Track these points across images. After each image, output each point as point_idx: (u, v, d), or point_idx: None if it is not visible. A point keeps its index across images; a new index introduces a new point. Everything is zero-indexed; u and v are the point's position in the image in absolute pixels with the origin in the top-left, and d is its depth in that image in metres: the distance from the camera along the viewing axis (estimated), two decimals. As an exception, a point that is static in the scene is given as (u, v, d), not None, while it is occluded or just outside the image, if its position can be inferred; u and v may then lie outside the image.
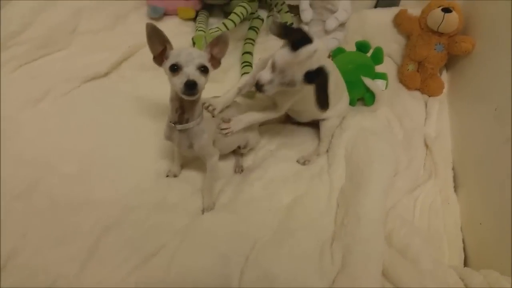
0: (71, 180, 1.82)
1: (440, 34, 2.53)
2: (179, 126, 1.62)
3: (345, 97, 2.19)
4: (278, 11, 2.86)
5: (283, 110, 1.96)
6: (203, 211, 1.84)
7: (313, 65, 1.57)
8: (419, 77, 2.65)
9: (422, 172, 2.17)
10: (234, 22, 2.47)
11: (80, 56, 2.40)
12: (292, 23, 2.78)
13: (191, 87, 1.41)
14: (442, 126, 2.40)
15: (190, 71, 1.43)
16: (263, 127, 2.23)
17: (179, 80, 1.43)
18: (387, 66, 2.69)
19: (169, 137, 1.72)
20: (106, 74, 2.39)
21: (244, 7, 2.55)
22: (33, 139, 1.95)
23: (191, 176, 1.99)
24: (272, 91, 1.66)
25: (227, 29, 2.43)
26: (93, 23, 2.53)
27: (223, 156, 2.03)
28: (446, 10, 2.43)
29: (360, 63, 2.41)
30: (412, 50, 2.66)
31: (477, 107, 2.21)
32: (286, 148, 2.18)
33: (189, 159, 2.03)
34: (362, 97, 2.44)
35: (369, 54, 2.48)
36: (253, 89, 1.76)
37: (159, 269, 1.56)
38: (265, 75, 1.65)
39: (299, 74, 1.59)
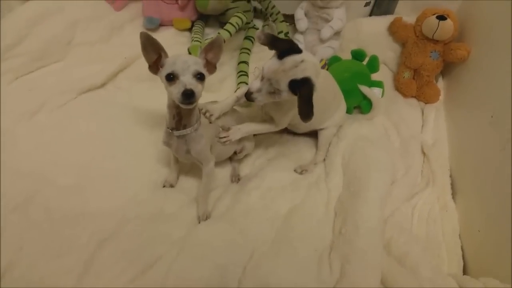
0: (68, 192, 1.81)
1: (435, 41, 2.54)
2: (176, 132, 1.63)
3: (342, 107, 2.20)
4: (274, 21, 2.88)
5: (282, 125, 1.97)
6: (199, 220, 1.83)
7: (298, 74, 1.58)
8: (415, 84, 2.66)
9: (420, 179, 2.17)
10: (229, 32, 2.47)
11: (76, 67, 2.40)
12: (287, 32, 2.80)
13: (188, 96, 1.41)
14: (439, 133, 2.40)
15: (186, 80, 1.43)
16: (261, 136, 2.22)
17: (176, 89, 1.43)
18: (383, 74, 2.70)
19: (167, 143, 1.73)
20: (102, 86, 2.38)
21: (239, 17, 2.55)
22: (30, 151, 1.94)
23: (188, 186, 1.98)
24: (261, 99, 1.68)
25: (223, 39, 2.43)
26: (88, 35, 2.53)
27: (220, 164, 2.05)
28: (441, 17, 2.44)
29: (356, 71, 2.42)
30: (407, 58, 2.67)
31: (473, 114, 2.21)
32: (283, 157, 2.18)
33: (186, 168, 2.03)
34: (359, 105, 2.44)
35: (364, 62, 2.48)
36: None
37: (156, 281, 1.55)
38: (255, 84, 1.68)
39: (284, 83, 1.59)
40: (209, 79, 2.28)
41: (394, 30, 2.76)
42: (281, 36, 2.81)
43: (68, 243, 1.63)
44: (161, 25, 2.75)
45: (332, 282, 1.61)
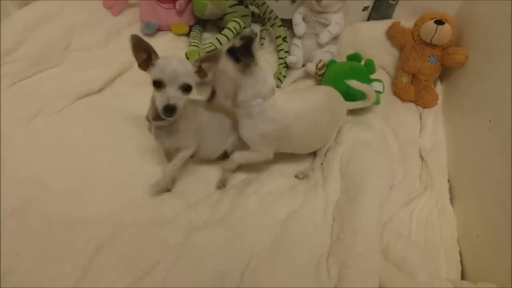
0: (65, 197, 1.81)
1: (433, 46, 2.54)
2: (154, 123, 1.67)
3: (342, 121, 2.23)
4: (272, 25, 2.88)
5: (268, 154, 1.99)
6: (153, 186, 1.86)
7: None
8: (413, 89, 2.66)
9: (418, 184, 2.16)
10: (227, 37, 2.48)
11: (73, 73, 2.40)
12: (285, 37, 2.80)
13: (169, 111, 1.44)
14: (437, 138, 2.40)
15: (171, 93, 1.45)
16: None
17: (160, 99, 1.46)
18: (381, 78, 2.69)
19: (149, 130, 1.79)
20: (99, 91, 2.38)
21: (237, 22, 2.56)
22: (27, 157, 1.94)
23: (185, 191, 1.97)
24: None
25: (221, 44, 2.44)
26: (86, 40, 2.53)
27: (217, 168, 2.05)
28: (439, 22, 2.45)
29: (356, 66, 2.47)
30: (405, 62, 2.67)
31: (471, 119, 2.20)
32: (282, 162, 2.17)
33: (182, 175, 2.02)
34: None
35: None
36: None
37: (154, 286, 1.54)
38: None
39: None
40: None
41: (392, 34, 2.76)
42: (279, 41, 2.82)
43: (66, 248, 1.62)
44: (159, 30, 2.74)
45: (330, 287, 1.60)
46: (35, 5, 2.43)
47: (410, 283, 1.59)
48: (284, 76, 2.74)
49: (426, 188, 2.11)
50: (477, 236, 1.83)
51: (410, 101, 2.69)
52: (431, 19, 2.49)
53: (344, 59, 2.60)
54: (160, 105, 1.44)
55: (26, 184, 1.81)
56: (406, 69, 2.68)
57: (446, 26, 2.44)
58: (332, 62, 2.62)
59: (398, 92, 2.70)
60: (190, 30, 2.80)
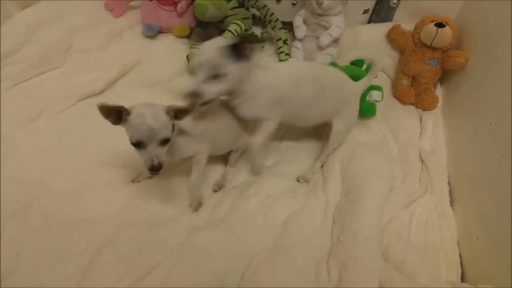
0: (66, 198, 1.82)
1: (434, 49, 2.54)
2: None
3: (354, 104, 2.17)
4: (272, 28, 2.88)
5: (274, 120, 1.94)
6: (191, 208, 1.88)
7: (222, 43, 1.60)
8: (413, 91, 2.66)
9: (418, 187, 2.16)
10: (228, 39, 2.48)
11: (74, 74, 2.40)
12: (286, 39, 2.81)
13: (155, 170, 1.43)
14: (437, 141, 2.40)
15: (153, 152, 1.43)
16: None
17: (143, 158, 1.44)
18: (381, 81, 2.70)
19: None
20: (101, 92, 2.39)
21: (238, 24, 2.56)
22: (28, 158, 1.94)
23: (186, 192, 1.97)
24: (208, 89, 1.61)
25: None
26: (87, 42, 2.54)
27: (215, 168, 2.07)
28: (439, 25, 2.45)
29: (353, 63, 2.46)
30: (406, 65, 2.67)
31: (472, 122, 2.20)
32: (282, 164, 2.18)
33: (182, 176, 2.03)
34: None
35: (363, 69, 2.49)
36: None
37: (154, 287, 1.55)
38: (191, 82, 1.63)
39: (215, 54, 1.59)
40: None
41: (392, 37, 2.76)
42: (280, 43, 2.83)
43: (66, 249, 1.63)
44: (160, 32, 2.75)
45: (331, 289, 1.61)
46: (37, 7, 2.44)
47: (410, 285, 1.59)
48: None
49: (426, 190, 2.11)
50: (477, 238, 1.83)
51: (410, 103, 2.69)
52: (432, 22, 2.49)
53: (344, 62, 2.60)
54: (144, 165, 1.43)
55: (27, 185, 1.82)
56: (406, 72, 2.68)
57: (447, 29, 2.44)
58: (333, 64, 2.62)
59: (398, 95, 2.69)
60: (191, 32, 2.80)
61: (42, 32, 2.38)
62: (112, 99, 2.37)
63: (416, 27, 2.62)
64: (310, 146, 2.30)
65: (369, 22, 2.98)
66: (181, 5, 2.65)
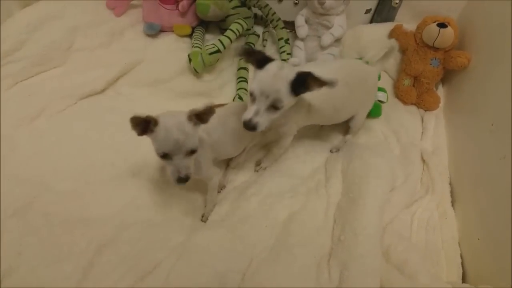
0: (67, 197, 1.82)
1: (436, 49, 2.54)
2: None
3: (373, 92, 2.27)
4: (274, 27, 2.88)
5: (291, 133, 1.99)
6: (202, 217, 1.90)
7: (289, 75, 1.53)
8: (415, 91, 2.65)
9: (419, 187, 2.16)
10: (230, 39, 2.48)
11: (76, 73, 2.40)
12: (288, 39, 2.81)
13: (182, 181, 1.42)
14: (438, 141, 2.40)
15: (180, 163, 1.41)
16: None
17: (170, 170, 1.42)
18: (383, 81, 2.69)
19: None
20: (102, 91, 2.38)
21: (240, 23, 2.56)
22: (29, 157, 1.94)
23: (187, 192, 1.98)
24: (263, 121, 1.58)
25: (223, 45, 2.44)
26: (88, 40, 2.52)
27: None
28: (442, 25, 2.44)
29: None
30: (407, 65, 2.67)
31: (473, 122, 2.20)
32: (282, 164, 2.18)
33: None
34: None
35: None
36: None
37: (155, 287, 1.55)
38: (249, 111, 1.59)
39: (283, 87, 1.53)
40: (209, 85, 2.29)
41: (394, 37, 2.76)
42: (282, 43, 2.82)
43: (67, 248, 1.63)
44: (162, 31, 2.74)
45: (331, 288, 1.61)
46: (38, 5, 2.43)
47: (410, 285, 1.60)
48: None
49: (428, 190, 2.11)
50: (478, 239, 1.83)
51: (412, 104, 2.69)
52: (434, 22, 2.49)
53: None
54: (172, 176, 1.42)
55: (28, 184, 1.82)
56: (408, 72, 2.67)
57: (449, 29, 2.44)
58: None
59: (400, 95, 2.69)
60: (192, 32, 2.80)
61: (43, 30, 2.38)
62: (113, 98, 2.37)
63: (418, 27, 2.62)
64: (309, 145, 2.30)
65: (371, 22, 2.98)
66: (182, 4, 2.64)
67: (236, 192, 2.01)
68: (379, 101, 2.44)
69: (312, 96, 1.69)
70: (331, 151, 2.26)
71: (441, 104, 2.62)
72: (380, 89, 2.46)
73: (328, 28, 2.61)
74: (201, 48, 2.54)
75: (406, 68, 2.68)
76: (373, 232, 1.72)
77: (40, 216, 1.72)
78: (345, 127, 2.32)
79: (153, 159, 2.01)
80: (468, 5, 2.59)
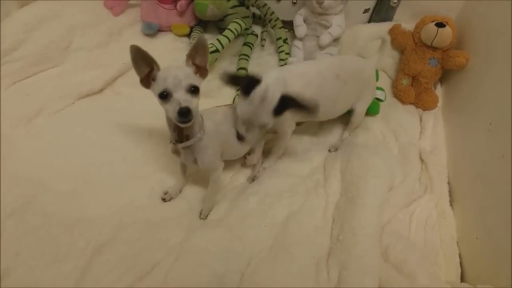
0: (65, 197, 1.81)
1: (434, 48, 2.54)
2: (181, 145, 1.60)
3: (372, 85, 2.28)
4: (272, 27, 2.88)
5: (289, 132, 2.04)
6: (199, 215, 1.89)
7: (273, 101, 1.55)
8: (414, 91, 2.65)
9: (418, 186, 2.16)
10: (228, 38, 2.47)
11: (74, 73, 2.40)
12: (286, 38, 2.80)
13: (185, 114, 1.37)
14: (437, 140, 2.40)
15: (180, 97, 1.39)
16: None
17: (171, 108, 1.40)
18: (382, 81, 2.70)
19: (175, 152, 1.72)
20: (100, 91, 2.38)
21: (238, 23, 2.56)
22: (27, 156, 1.94)
23: (186, 192, 1.98)
24: (252, 137, 1.71)
25: (222, 45, 2.43)
26: (86, 40, 2.52)
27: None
28: (440, 24, 2.44)
29: None
30: (406, 65, 2.67)
31: (472, 122, 2.20)
32: (281, 163, 2.18)
33: (193, 178, 2.03)
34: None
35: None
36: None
37: (154, 287, 1.55)
38: (240, 127, 1.70)
39: (265, 115, 1.58)
40: (208, 85, 2.28)
41: (393, 37, 2.76)
42: (280, 42, 2.82)
43: (65, 248, 1.63)
44: (160, 30, 2.74)
45: (330, 288, 1.61)
46: (36, 5, 2.42)
47: (409, 285, 1.59)
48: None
49: (426, 190, 2.11)
50: (476, 238, 1.83)
51: (410, 103, 2.69)
52: (432, 21, 2.49)
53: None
54: (173, 112, 1.39)
55: (26, 184, 1.82)
56: (406, 72, 2.67)
57: (447, 28, 2.44)
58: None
59: (398, 94, 2.69)
60: (191, 31, 2.79)
61: (41, 30, 2.37)
62: (111, 97, 2.38)
63: (416, 27, 2.62)
64: (309, 144, 2.30)
65: (369, 21, 2.97)
66: (181, 4, 2.64)
67: (235, 192, 2.01)
68: (377, 99, 2.44)
69: (303, 90, 1.69)
70: (329, 150, 2.27)
71: (439, 104, 2.62)
72: (378, 88, 2.46)
73: (326, 27, 2.61)
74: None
75: (404, 67, 2.68)
76: (372, 232, 1.72)
77: (39, 216, 1.72)
78: (343, 126, 2.33)
79: (153, 159, 2.01)
80: (466, 5, 2.60)
